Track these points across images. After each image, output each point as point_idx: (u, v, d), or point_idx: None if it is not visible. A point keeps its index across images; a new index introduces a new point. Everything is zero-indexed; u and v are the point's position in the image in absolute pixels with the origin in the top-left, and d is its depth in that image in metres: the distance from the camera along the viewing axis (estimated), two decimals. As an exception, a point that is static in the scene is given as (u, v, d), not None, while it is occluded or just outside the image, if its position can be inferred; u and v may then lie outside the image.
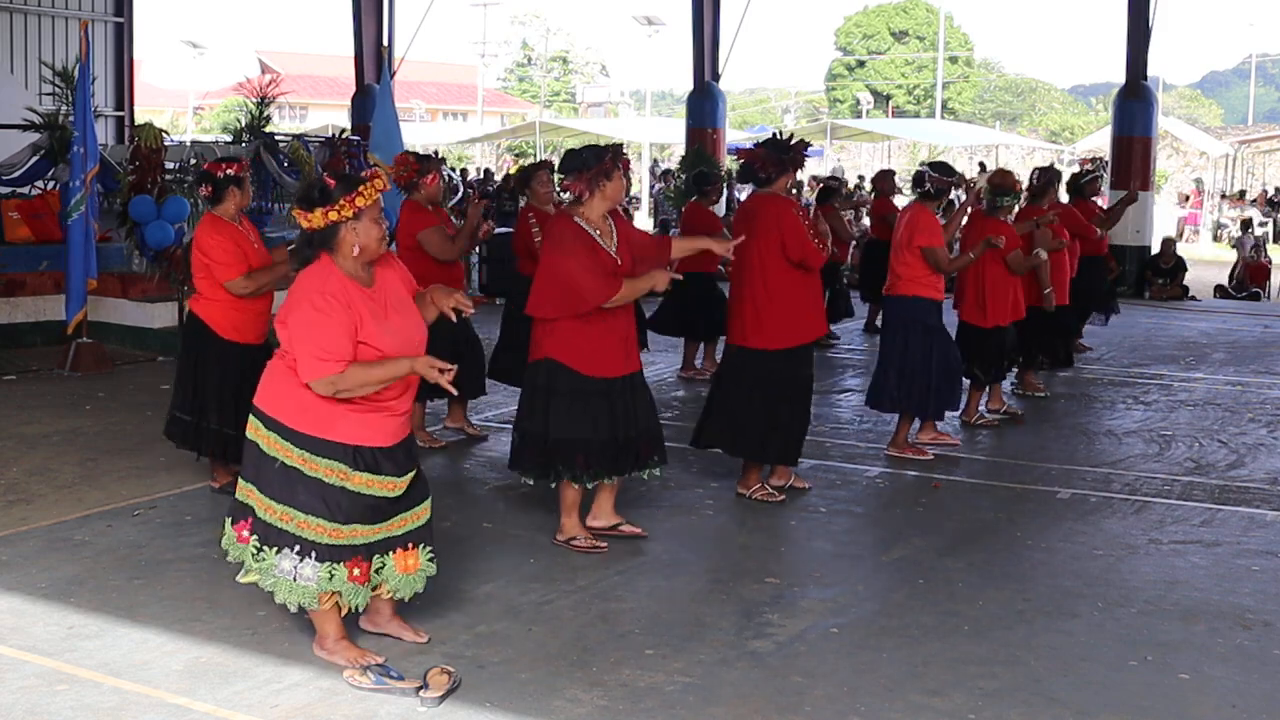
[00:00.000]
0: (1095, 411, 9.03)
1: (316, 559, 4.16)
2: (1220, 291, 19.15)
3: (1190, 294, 16.75)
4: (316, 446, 4.14)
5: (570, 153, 5.56)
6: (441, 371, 4.09)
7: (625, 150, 5.66)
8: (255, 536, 4.19)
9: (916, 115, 59.09)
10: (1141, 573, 5.53)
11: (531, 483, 5.72)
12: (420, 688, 4.09)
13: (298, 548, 4.16)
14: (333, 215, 4.06)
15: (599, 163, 5.40)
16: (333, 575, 4.18)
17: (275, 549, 4.17)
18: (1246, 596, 5.21)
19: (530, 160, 34.96)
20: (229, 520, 4.32)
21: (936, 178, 7.36)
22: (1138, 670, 4.45)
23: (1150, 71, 16.75)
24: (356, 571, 4.22)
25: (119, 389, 9.19)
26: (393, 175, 7.10)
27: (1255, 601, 5.15)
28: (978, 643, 4.66)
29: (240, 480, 4.31)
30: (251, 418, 4.26)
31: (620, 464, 5.60)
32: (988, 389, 8.52)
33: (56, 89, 11.36)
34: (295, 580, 4.17)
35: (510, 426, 8.10)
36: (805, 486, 6.70)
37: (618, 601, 5.04)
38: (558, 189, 5.56)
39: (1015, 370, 8.95)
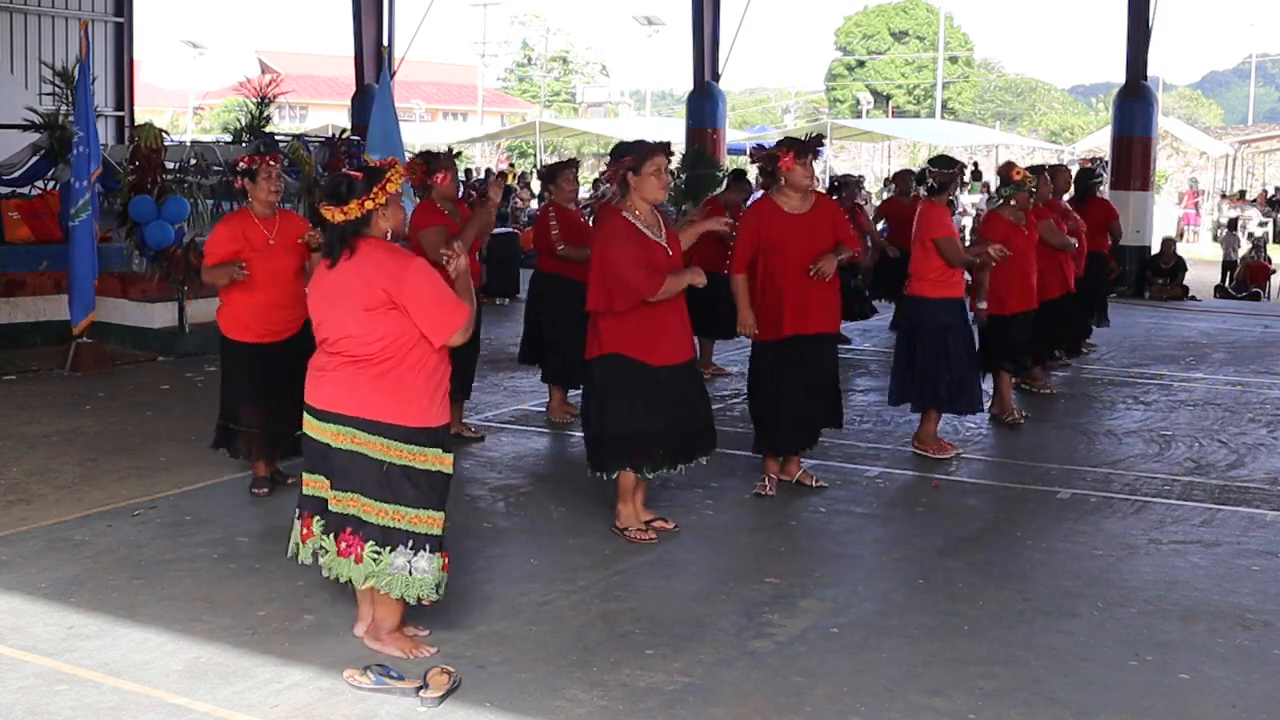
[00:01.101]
0: (1095, 411, 9.02)
1: (430, 550, 4.29)
2: (1220, 291, 19.16)
3: (1190, 294, 16.75)
4: (423, 437, 4.27)
5: (619, 144, 5.77)
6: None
7: (670, 147, 5.75)
8: (371, 542, 4.27)
9: (916, 115, 59.09)
10: (1141, 573, 5.52)
11: (614, 477, 5.76)
12: (420, 688, 4.09)
13: (410, 543, 4.27)
14: (369, 204, 4.26)
15: (637, 153, 5.57)
16: (440, 565, 4.33)
17: (390, 548, 4.27)
18: (1246, 596, 5.21)
19: (529, 158, 35.03)
20: (331, 536, 4.34)
21: (937, 172, 7.43)
22: (1138, 670, 4.45)
23: (1150, 71, 16.76)
24: (446, 560, 4.38)
25: (119, 389, 9.19)
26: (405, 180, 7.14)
27: (1255, 601, 5.15)
28: (978, 643, 4.66)
29: (336, 492, 4.32)
30: (343, 429, 4.28)
31: (690, 451, 5.77)
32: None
33: (56, 89, 11.37)
34: (411, 574, 4.27)
35: (508, 427, 8.16)
36: (814, 484, 6.71)
37: (618, 601, 5.03)
38: (606, 184, 5.69)
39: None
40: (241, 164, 6.32)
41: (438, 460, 4.31)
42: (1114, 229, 11.12)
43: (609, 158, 5.71)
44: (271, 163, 6.35)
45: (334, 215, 4.26)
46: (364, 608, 4.52)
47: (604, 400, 5.64)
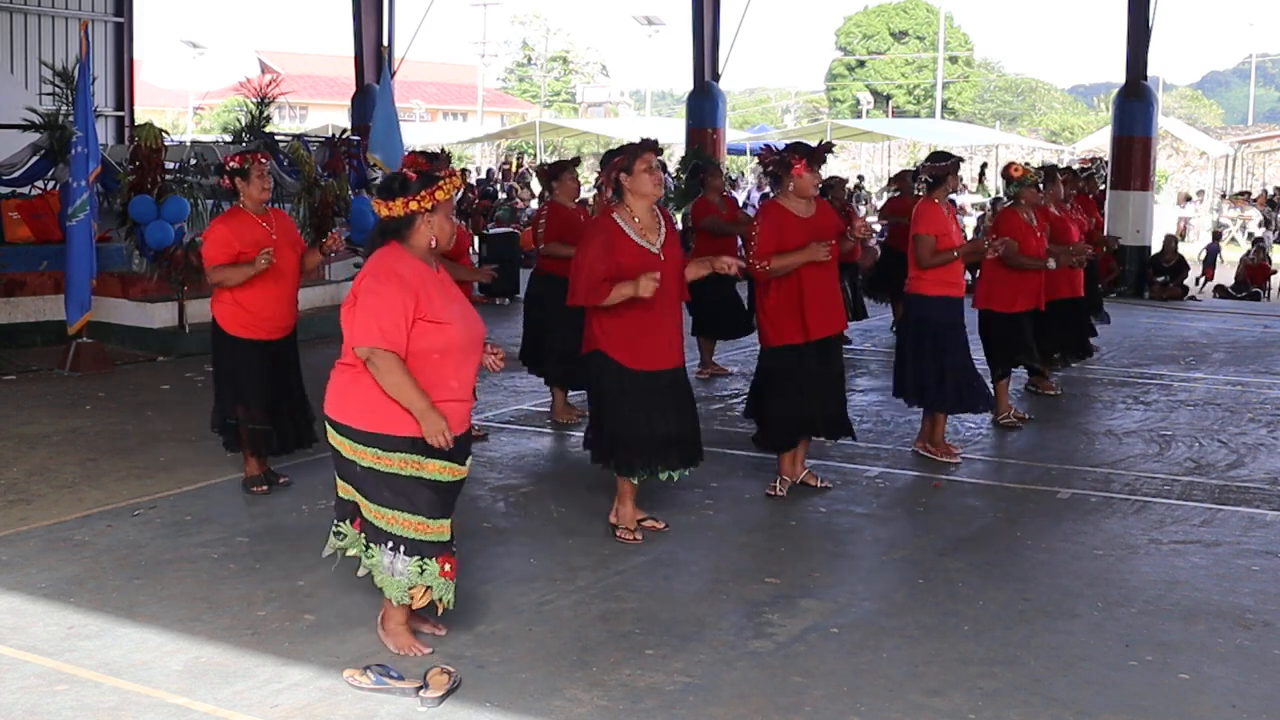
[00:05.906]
0: (1095, 411, 9.02)
1: (405, 553, 4.28)
2: (1220, 291, 19.15)
3: (1190, 294, 16.74)
4: (384, 443, 4.24)
5: (609, 151, 5.76)
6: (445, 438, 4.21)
7: (658, 144, 5.69)
8: (364, 535, 4.36)
9: (916, 115, 59.04)
10: (1141, 573, 5.53)
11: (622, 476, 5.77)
12: (420, 688, 4.09)
13: (391, 543, 4.30)
14: (413, 206, 4.26)
15: (627, 153, 5.55)
16: (423, 570, 4.30)
17: (378, 545, 4.33)
18: (1246, 596, 5.21)
19: (532, 159, 35.01)
20: (346, 521, 4.43)
21: (930, 166, 7.46)
22: (1138, 670, 4.45)
23: (1150, 71, 16.75)
24: (447, 567, 4.35)
25: (119, 389, 9.19)
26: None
27: (1255, 601, 5.15)
28: (978, 643, 4.66)
29: (340, 481, 4.41)
30: (327, 427, 4.38)
31: (667, 459, 5.70)
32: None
33: (56, 89, 11.36)
34: (392, 575, 4.31)
35: (508, 427, 8.16)
36: (819, 484, 6.71)
37: (618, 601, 5.04)
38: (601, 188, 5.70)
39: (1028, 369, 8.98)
40: (233, 163, 6.31)
41: (409, 465, 4.26)
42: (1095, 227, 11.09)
43: (600, 166, 5.68)
44: (262, 160, 6.36)
45: (380, 209, 4.29)
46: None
47: (602, 398, 5.67)
